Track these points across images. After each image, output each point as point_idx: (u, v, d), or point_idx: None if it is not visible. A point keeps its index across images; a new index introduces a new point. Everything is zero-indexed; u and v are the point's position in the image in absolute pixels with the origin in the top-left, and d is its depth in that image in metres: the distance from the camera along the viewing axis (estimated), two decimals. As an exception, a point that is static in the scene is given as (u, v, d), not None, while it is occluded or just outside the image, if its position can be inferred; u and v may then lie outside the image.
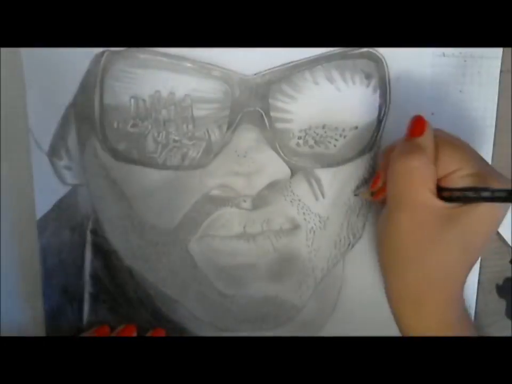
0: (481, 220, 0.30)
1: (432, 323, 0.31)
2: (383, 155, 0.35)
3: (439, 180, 0.31)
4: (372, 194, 0.35)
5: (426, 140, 0.31)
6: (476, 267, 0.40)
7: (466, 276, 0.32)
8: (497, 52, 0.37)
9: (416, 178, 0.30)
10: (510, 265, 0.40)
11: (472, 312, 0.40)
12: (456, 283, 0.31)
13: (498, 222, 0.31)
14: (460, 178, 0.31)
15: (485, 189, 0.30)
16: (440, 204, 0.30)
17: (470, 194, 0.30)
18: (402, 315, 0.32)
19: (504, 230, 0.39)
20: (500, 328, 0.41)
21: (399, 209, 0.31)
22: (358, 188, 0.37)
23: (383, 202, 0.33)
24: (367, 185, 0.36)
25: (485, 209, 0.30)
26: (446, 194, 0.31)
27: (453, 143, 0.32)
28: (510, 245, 0.40)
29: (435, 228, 0.30)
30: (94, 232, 0.36)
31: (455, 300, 0.32)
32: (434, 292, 0.31)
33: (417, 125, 0.32)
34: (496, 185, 0.30)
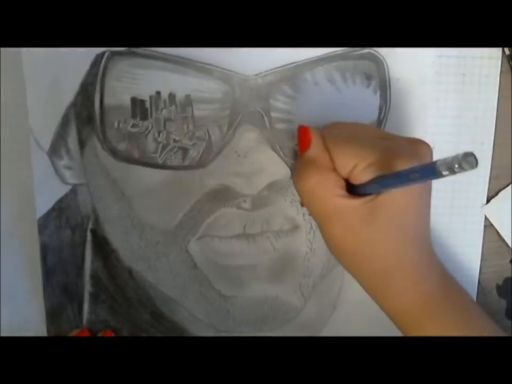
0: (398, 203, 0.29)
1: (408, 299, 0.30)
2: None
3: (348, 178, 0.30)
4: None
5: (316, 149, 0.30)
6: (476, 267, 0.40)
7: (423, 241, 0.30)
8: (497, 52, 0.37)
9: (320, 193, 0.30)
10: (510, 265, 0.40)
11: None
12: (414, 257, 0.30)
13: (419, 195, 0.29)
14: (362, 173, 0.29)
15: (380, 179, 0.28)
16: (356, 202, 0.29)
17: (374, 187, 0.29)
18: (378, 300, 0.31)
19: (504, 230, 0.39)
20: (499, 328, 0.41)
21: (322, 224, 0.31)
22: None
23: None
24: None
25: (396, 194, 0.28)
26: (359, 190, 0.30)
27: (342, 140, 0.30)
28: (510, 245, 0.40)
29: (362, 224, 0.29)
30: (94, 231, 0.36)
31: (423, 269, 0.30)
32: (394, 275, 0.30)
33: (302, 138, 0.31)
34: (400, 164, 0.28)
